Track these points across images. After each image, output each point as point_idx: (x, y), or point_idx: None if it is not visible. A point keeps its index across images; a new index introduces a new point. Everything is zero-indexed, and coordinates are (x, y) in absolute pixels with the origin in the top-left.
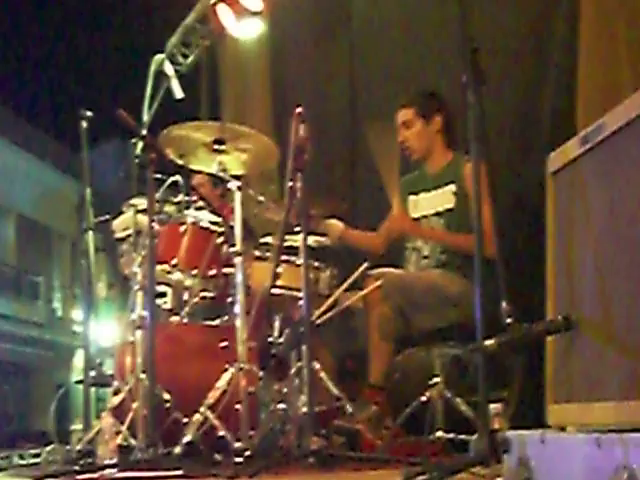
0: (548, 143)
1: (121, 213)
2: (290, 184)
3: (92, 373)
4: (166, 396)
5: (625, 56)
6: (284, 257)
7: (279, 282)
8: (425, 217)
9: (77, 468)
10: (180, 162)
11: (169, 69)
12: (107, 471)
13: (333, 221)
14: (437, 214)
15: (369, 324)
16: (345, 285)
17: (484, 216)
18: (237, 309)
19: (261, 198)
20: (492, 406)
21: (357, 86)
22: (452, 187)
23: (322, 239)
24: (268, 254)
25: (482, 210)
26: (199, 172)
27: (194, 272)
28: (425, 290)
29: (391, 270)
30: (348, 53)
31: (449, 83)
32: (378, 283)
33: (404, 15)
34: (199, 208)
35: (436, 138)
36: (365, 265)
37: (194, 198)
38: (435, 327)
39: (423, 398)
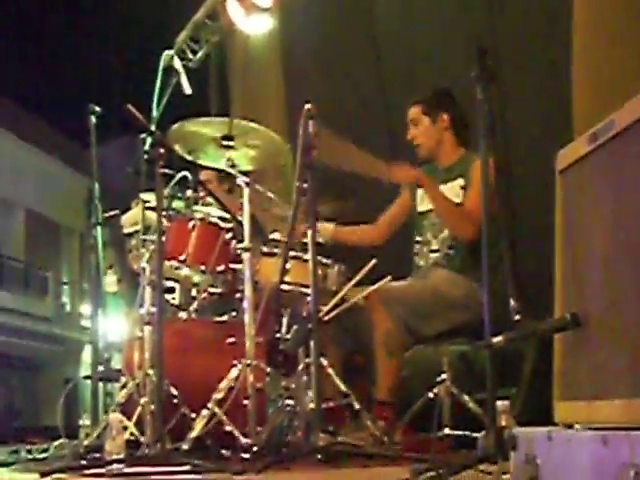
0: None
1: (129, 208)
2: (298, 181)
3: (100, 368)
4: (174, 391)
5: (621, 53)
6: (292, 253)
7: (287, 278)
8: (431, 211)
9: (85, 463)
10: (189, 158)
11: (178, 65)
12: (114, 466)
13: (321, 224)
14: None
15: (374, 341)
16: (353, 281)
17: (472, 202)
18: (245, 305)
19: (270, 194)
20: (499, 403)
21: (384, 76)
22: (460, 181)
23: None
24: (276, 250)
25: (473, 198)
26: (207, 168)
27: (202, 268)
28: (429, 298)
29: (392, 284)
30: (372, 43)
31: None
32: (386, 280)
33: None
34: (207, 204)
35: (444, 136)
36: (373, 261)
37: (202, 194)
38: (442, 331)
39: (430, 395)
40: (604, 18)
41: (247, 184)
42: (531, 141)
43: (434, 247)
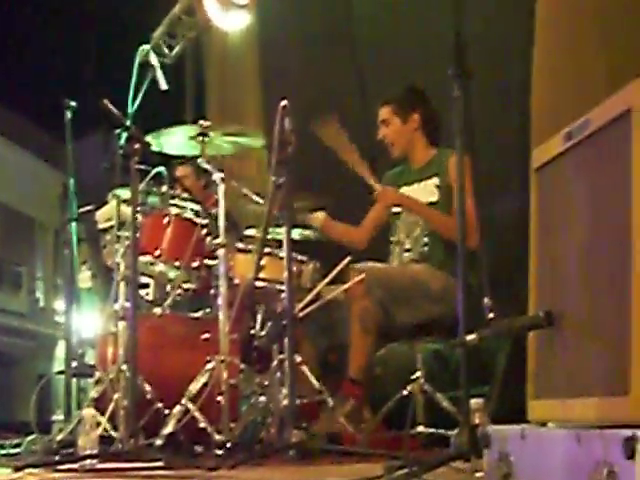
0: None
1: (104, 204)
2: (274, 177)
3: (74, 364)
4: (147, 387)
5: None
6: (267, 250)
7: (262, 275)
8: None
9: (58, 458)
10: (162, 149)
11: (154, 60)
12: (88, 462)
13: (313, 212)
14: None
15: (351, 317)
16: (328, 278)
17: (468, 208)
18: (219, 301)
19: (245, 190)
20: (473, 401)
21: (362, 72)
22: (435, 180)
23: (306, 232)
24: (251, 246)
25: (465, 202)
26: (183, 163)
27: (177, 264)
28: (408, 284)
29: (374, 264)
30: (349, 40)
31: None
32: (360, 277)
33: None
34: (183, 199)
35: (415, 135)
36: (348, 259)
37: (178, 190)
38: (416, 321)
39: (404, 392)
40: (564, 19)
41: (222, 180)
42: (502, 137)
43: (407, 246)
